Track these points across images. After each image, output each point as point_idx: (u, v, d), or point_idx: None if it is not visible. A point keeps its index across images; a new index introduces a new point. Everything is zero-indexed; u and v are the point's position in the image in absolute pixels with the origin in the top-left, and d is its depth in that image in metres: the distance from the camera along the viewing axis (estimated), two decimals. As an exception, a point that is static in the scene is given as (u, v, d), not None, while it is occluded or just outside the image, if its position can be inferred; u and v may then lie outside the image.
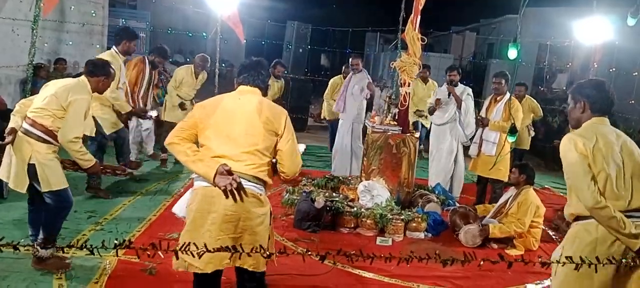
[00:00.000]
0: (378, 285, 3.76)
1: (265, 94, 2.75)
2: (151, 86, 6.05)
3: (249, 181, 2.51)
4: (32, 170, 3.32)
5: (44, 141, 3.34)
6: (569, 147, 2.36)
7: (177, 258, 1.80)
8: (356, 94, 6.60)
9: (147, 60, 5.92)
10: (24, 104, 3.49)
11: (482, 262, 1.89)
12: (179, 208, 2.93)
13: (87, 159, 3.50)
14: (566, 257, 2.02)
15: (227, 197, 2.46)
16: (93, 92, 3.61)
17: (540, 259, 2.33)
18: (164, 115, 6.90)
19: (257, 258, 2.52)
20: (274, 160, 2.68)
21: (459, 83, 6.18)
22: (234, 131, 2.54)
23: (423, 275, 3.86)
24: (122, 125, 5.26)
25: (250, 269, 2.57)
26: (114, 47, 5.17)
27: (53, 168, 3.38)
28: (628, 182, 2.35)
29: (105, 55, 4.83)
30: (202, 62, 7.01)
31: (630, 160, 2.38)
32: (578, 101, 2.50)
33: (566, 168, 2.39)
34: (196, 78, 6.98)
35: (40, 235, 3.49)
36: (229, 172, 2.44)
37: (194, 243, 1.84)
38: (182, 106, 6.86)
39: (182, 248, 1.76)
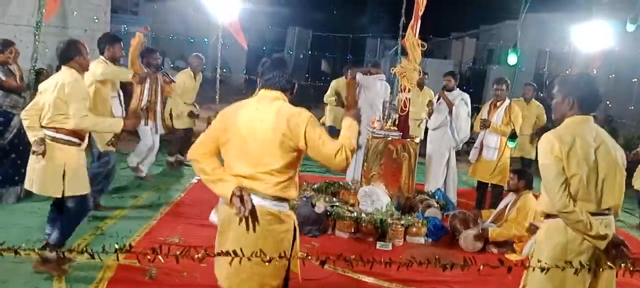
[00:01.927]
0: (378, 290, 3.76)
1: (291, 95, 2.55)
2: (159, 87, 5.92)
3: (265, 199, 2.38)
4: (64, 175, 3.43)
5: (72, 144, 3.47)
6: (546, 148, 2.38)
7: (177, 262, 1.78)
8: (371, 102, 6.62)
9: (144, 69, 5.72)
10: (33, 110, 3.48)
11: (482, 267, 1.89)
12: (213, 216, 2.91)
13: (110, 123, 3.69)
14: (571, 262, 2.03)
15: (241, 221, 2.37)
16: (82, 72, 3.56)
17: (539, 263, 2.33)
18: (167, 123, 6.90)
19: (279, 278, 2.52)
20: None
21: (455, 88, 6.20)
22: (250, 149, 2.37)
23: (423, 279, 3.86)
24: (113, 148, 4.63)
25: None
26: (100, 56, 4.79)
27: (79, 174, 3.51)
28: (600, 184, 2.37)
29: (93, 64, 4.41)
30: (198, 61, 7.06)
31: (605, 162, 2.38)
32: (567, 97, 2.47)
33: (541, 168, 2.43)
34: (195, 79, 7.05)
35: (53, 235, 3.52)
36: (241, 196, 2.31)
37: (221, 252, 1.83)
38: (191, 115, 6.95)
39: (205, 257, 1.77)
